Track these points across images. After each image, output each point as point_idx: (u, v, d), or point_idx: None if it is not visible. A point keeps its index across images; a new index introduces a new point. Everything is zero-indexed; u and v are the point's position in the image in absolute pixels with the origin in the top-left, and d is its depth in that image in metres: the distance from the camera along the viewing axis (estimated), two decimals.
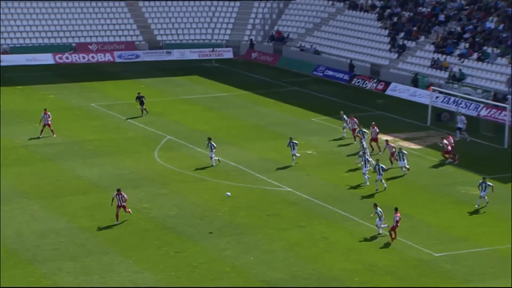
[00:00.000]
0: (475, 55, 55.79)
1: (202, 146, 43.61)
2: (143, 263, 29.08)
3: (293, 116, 50.56)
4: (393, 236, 31.01)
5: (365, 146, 41.12)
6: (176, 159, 41.42)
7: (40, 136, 44.11)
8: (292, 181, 38.09)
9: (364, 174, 37.41)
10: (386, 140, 41.28)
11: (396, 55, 60.74)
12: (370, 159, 37.89)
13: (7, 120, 47.69)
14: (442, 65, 56.65)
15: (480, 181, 35.02)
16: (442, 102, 51.45)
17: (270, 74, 63.13)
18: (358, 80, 59.49)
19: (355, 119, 44.29)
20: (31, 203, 34.57)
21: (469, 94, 51.23)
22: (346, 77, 60.67)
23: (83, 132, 45.73)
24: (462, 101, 50.35)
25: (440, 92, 51.28)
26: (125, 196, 32.47)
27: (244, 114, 49.56)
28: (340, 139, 44.72)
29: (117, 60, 66.69)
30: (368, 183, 37.14)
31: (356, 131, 43.43)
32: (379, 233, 31.50)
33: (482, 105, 49.88)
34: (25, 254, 29.49)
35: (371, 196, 36.48)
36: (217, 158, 40.04)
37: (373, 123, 43.17)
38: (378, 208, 31.72)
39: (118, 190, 32.53)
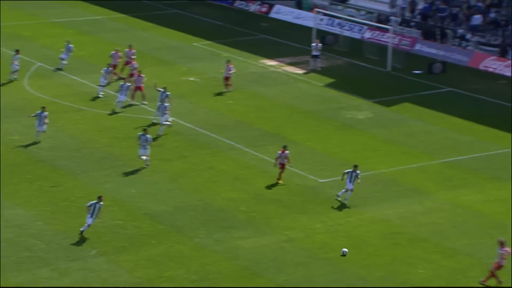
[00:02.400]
0: None
1: (77, 74, 42.17)
2: (14, 199, 28.08)
3: (174, 40, 49.64)
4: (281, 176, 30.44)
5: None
6: (49, 87, 39.86)
7: None
8: (175, 109, 37.51)
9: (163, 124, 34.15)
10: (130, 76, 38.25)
11: None
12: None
13: None
14: None
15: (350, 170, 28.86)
16: (326, 24, 51.83)
17: None
18: (241, 2, 58.88)
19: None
20: None
21: (353, 16, 51.79)
22: None
23: None
24: (346, 23, 50.88)
25: (324, 14, 51.54)
26: None
27: (122, 39, 48.07)
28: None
29: None
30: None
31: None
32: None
33: (366, 27, 50.61)
34: None
35: (255, 124, 36.56)
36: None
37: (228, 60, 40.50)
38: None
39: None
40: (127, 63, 41.70)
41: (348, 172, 28.62)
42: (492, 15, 47.14)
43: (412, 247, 26.07)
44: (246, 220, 27.68)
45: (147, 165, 31.18)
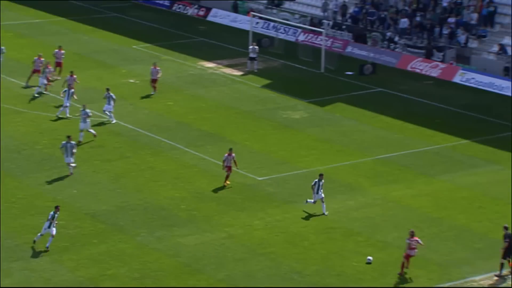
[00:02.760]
0: None
1: (16, 76, 41.35)
2: None
3: (114, 43, 49.10)
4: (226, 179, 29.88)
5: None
6: None
7: None
8: (116, 111, 37.11)
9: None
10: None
11: None
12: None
13: None
14: None
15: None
16: (262, 27, 52.02)
17: None
18: (179, 6, 58.62)
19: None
20: None
21: (287, 19, 52.14)
22: (166, 3, 59.57)
23: None
24: (281, 26, 51.16)
25: (260, 18, 51.74)
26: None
27: (62, 42, 47.23)
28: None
29: None
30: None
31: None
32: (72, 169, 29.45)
33: (300, 30, 50.98)
34: None
35: (194, 124, 36.46)
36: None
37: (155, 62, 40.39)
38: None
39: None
40: (58, 64, 41.16)
41: (315, 183, 27.83)
42: (418, 18, 48.06)
43: (346, 241, 26.40)
44: (187, 218, 27.58)
45: (71, 173, 29.99)
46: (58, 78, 40.61)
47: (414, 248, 24.15)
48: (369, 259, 24.93)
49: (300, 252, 25.59)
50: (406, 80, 44.10)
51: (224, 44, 49.87)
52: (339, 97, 40.95)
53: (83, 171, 30.69)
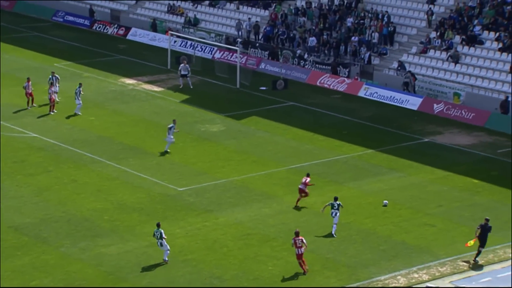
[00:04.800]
0: (207, 1, 56.70)
1: None
2: None
3: (35, 61, 47.86)
4: None
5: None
6: None
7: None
8: (38, 127, 36.20)
9: None
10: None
11: (134, 1, 59.72)
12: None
13: None
14: (178, 11, 56.89)
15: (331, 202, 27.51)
16: (180, 46, 51.83)
17: (7, 19, 58.83)
18: (99, 25, 57.76)
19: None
20: None
21: (204, 38, 52.15)
22: (87, 22, 58.60)
23: None
24: (198, 44, 51.11)
25: (178, 37, 51.55)
26: None
27: None
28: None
29: None
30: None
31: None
32: None
33: (216, 48, 51.09)
34: None
35: (116, 138, 35.90)
36: None
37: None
38: None
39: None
40: None
41: (333, 209, 27.00)
42: (325, 37, 48.95)
43: (262, 246, 26.46)
44: (110, 228, 27.05)
45: None
46: None
47: (300, 247, 24.38)
48: (385, 203, 26.24)
49: (219, 258, 25.48)
50: (315, 94, 44.77)
51: (144, 62, 49.41)
52: (254, 111, 41.17)
53: (6, 186, 29.70)
